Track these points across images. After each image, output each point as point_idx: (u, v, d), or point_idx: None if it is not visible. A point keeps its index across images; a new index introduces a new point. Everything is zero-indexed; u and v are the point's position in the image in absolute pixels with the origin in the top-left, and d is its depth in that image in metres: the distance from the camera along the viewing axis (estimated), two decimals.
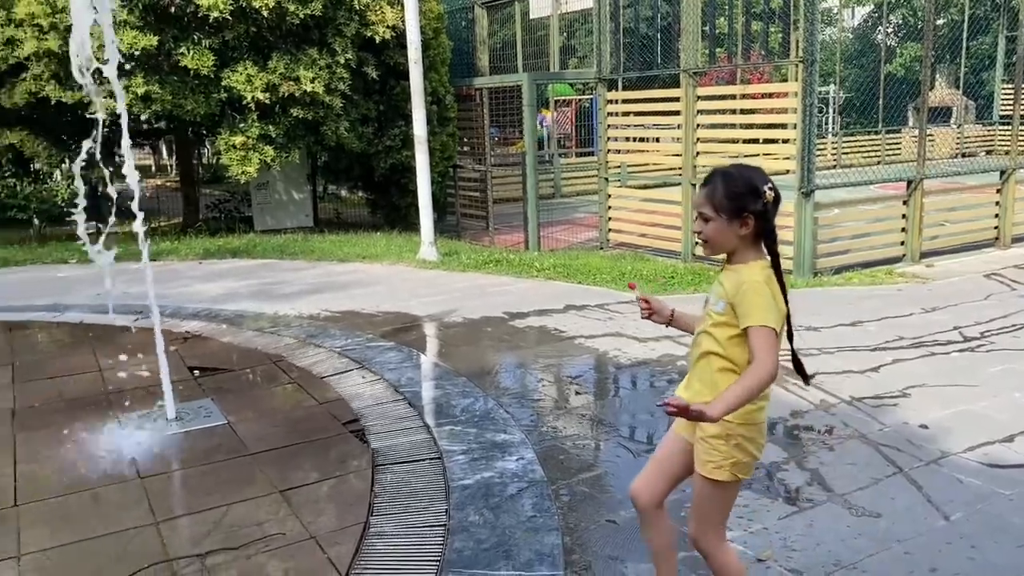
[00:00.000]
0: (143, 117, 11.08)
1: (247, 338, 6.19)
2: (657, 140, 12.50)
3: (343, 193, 18.61)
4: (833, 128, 23.04)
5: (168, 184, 21.37)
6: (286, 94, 10.96)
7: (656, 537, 2.58)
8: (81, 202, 4.46)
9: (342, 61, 11.27)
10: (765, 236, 2.30)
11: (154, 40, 10.12)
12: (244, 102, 10.85)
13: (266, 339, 6.15)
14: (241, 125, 11.25)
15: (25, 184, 13.00)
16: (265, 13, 10.43)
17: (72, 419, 4.53)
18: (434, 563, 3.06)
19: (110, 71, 4.27)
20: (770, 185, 2.28)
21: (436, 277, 8.71)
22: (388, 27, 11.30)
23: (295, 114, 11.17)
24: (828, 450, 4.03)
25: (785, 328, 2.32)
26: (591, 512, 3.45)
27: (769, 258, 2.33)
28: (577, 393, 5.00)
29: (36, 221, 13.05)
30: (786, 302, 2.30)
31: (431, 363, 5.58)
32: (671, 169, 10.35)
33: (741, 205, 2.26)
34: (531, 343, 6.03)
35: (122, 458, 4.03)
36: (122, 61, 4.44)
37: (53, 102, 10.34)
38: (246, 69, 10.76)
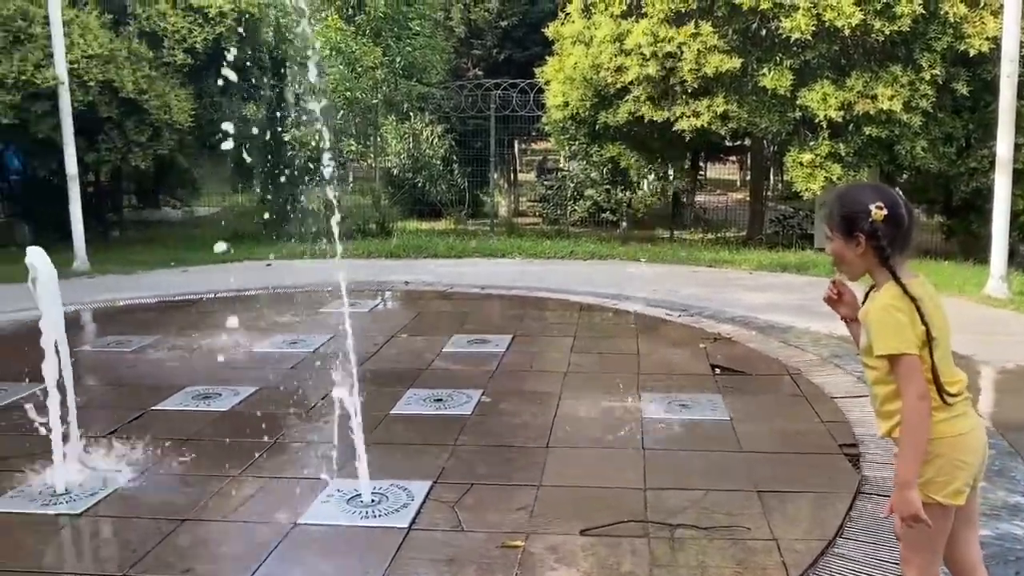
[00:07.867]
0: (722, 132, 11.97)
1: (771, 348, 6.40)
2: None
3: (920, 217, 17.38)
4: None
5: (746, 198, 22.47)
6: (861, 112, 10.75)
7: None
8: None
9: (927, 77, 10.60)
10: (879, 255, 2.25)
11: (738, 63, 10.86)
12: (816, 120, 10.96)
13: (789, 351, 6.28)
14: (811, 143, 11.38)
15: (618, 191, 15.07)
16: (847, 32, 10.38)
17: (603, 386, 5.31)
18: None
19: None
20: (880, 204, 2.21)
21: (997, 316, 7.72)
22: (987, 39, 10.25)
23: (868, 132, 10.88)
24: None
25: (926, 346, 2.23)
26: None
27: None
28: None
29: (623, 223, 15.05)
30: (923, 319, 2.21)
31: None
32: None
33: (851, 225, 2.28)
34: None
35: (633, 428, 4.62)
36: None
37: (647, 120, 11.82)
38: (823, 88, 10.85)
